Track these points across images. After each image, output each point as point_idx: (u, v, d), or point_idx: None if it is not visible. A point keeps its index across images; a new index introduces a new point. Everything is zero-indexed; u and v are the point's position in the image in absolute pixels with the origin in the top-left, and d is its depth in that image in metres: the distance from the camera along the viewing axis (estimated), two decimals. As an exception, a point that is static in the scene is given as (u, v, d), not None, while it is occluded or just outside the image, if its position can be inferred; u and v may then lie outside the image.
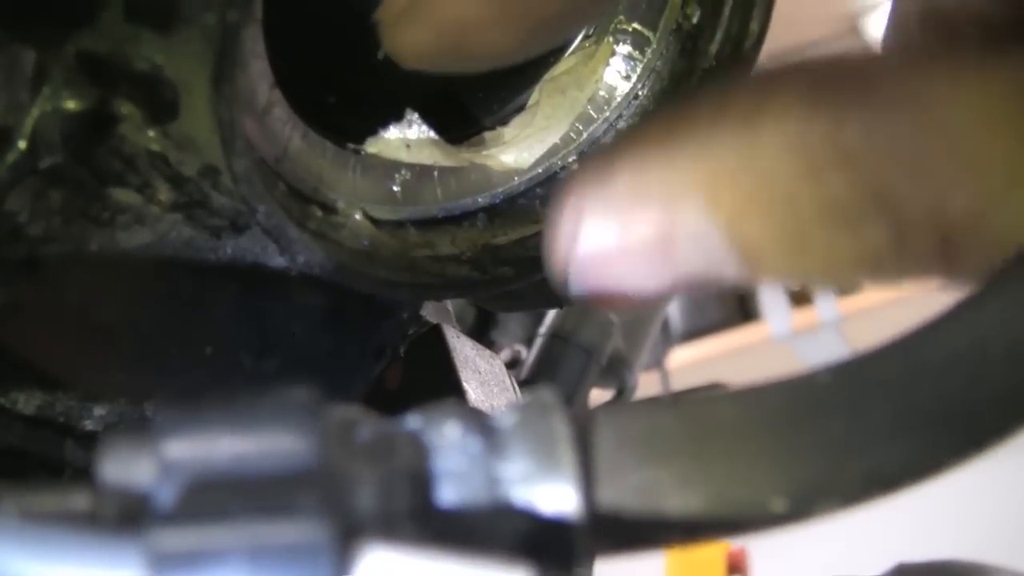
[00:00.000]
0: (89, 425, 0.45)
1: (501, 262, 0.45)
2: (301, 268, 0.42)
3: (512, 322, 0.92)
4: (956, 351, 0.26)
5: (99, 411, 0.45)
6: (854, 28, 2.49)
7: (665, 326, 2.87)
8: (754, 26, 0.42)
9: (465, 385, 0.53)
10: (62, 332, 0.44)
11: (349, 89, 0.47)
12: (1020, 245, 0.27)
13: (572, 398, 0.83)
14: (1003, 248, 0.27)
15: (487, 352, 0.56)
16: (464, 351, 0.54)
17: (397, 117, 0.46)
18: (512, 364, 0.89)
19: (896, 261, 0.28)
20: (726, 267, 0.29)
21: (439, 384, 0.53)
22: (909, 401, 0.26)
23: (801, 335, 2.99)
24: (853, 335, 2.90)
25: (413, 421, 0.26)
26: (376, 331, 0.50)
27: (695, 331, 3.12)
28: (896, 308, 2.55)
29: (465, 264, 0.45)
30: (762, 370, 0.27)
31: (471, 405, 0.52)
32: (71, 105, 0.37)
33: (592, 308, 0.86)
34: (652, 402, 0.28)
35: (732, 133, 0.29)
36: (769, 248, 0.29)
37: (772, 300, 2.95)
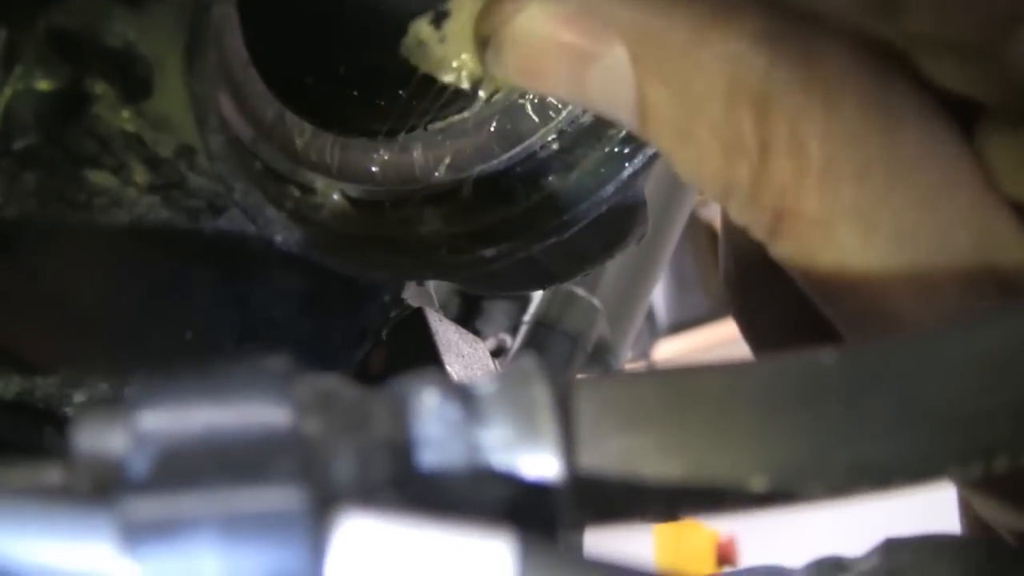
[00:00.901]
0: (69, 412, 0.45)
1: (481, 242, 0.45)
2: (280, 250, 0.42)
3: (497, 311, 0.92)
4: (976, 354, 0.25)
5: (79, 397, 0.45)
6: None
7: (651, 319, 2.88)
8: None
9: (449, 368, 0.53)
10: (39, 317, 0.43)
11: (326, 70, 0.47)
12: None
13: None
14: None
15: (470, 336, 0.56)
16: (447, 335, 0.54)
17: (374, 97, 0.46)
18: (497, 353, 0.89)
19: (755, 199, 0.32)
20: (621, 111, 0.33)
21: (422, 368, 0.53)
22: (915, 396, 0.25)
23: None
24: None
25: (391, 390, 0.26)
26: (358, 314, 0.50)
27: (681, 324, 3.12)
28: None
29: (445, 244, 0.45)
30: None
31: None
32: (43, 85, 0.37)
33: (577, 295, 0.86)
34: (637, 371, 0.28)
35: (688, 23, 0.32)
36: (660, 129, 0.33)
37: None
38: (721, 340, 3.14)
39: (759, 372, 0.26)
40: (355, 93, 0.47)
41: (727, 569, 1.95)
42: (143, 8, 0.35)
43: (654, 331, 2.93)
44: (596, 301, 0.87)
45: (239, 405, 0.24)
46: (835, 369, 0.25)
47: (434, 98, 0.46)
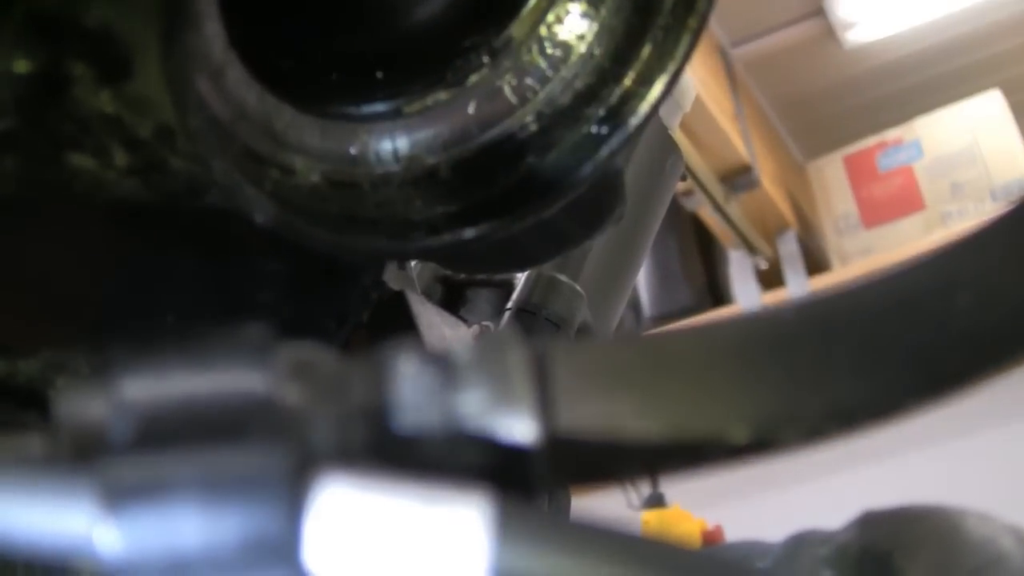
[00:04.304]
0: (53, 395, 0.45)
1: (460, 223, 0.45)
2: (261, 234, 0.42)
3: (481, 300, 0.92)
4: (924, 295, 0.26)
5: (62, 382, 0.45)
6: (820, 9, 2.49)
7: (637, 311, 2.87)
8: (708, -22, 0.42)
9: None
10: (20, 300, 0.43)
11: (305, 53, 0.47)
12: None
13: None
14: None
15: (452, 318, 0.56)
16: (429, 317, 0.54)
17: (353, 80, 0.46)
18: (481, 340, 0.89)
19: None
20: None
21: (404, 349, 0.53)
22: (872, 339, 0.26)
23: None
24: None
25: (370, 359, 0.26)
26: (339, 297, 0.50)
27: (666, 316, 3.12)
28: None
29: (424, 225, 0.45)
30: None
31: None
32: (22, 67, 0.37)
33: (559, 281, 0.86)
34: (612, 338, 0.28)
35: None
36: None
37: (742, 283, 2.96)
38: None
39: (728, 330, 0.27)
40: (334, 76, 0.47)
41: (713, 558, 1.95)
42: None
43: (640, 324, 2.93)
44: (578, 287, 0.87)
45: (219, 373, 0.24)
46: (796, 321, 0.26)
47: (413, 80, 0.46)
